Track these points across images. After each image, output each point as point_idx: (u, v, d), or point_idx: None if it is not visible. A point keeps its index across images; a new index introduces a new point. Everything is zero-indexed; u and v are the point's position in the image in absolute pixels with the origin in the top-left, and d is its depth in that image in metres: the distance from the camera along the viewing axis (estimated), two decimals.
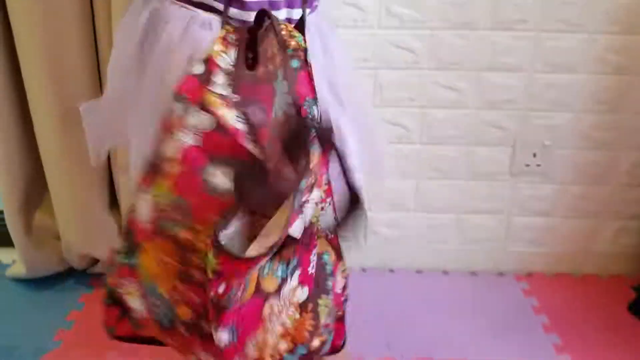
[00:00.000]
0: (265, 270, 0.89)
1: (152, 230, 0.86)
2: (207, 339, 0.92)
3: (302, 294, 0.99)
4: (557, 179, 1.65)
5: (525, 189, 1.66)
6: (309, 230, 0.92)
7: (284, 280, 0.93)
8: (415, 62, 1.54)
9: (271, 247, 0.79)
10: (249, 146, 0.82)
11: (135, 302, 0.94)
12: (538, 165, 1.63)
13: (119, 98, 0.98)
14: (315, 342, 1.02)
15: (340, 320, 1.04)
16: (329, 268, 1.00)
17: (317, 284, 0.97)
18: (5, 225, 1.60)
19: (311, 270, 0.96)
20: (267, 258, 0.83)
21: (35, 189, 1.58)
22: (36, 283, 1.66)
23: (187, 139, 0.82)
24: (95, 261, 1.67)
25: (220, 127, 0.81)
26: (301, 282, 0.98)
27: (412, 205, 1.70)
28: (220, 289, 0.81)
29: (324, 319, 0.98)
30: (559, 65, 1.54)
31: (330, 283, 1.00)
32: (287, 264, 0.92)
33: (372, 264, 1.74)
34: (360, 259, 1.75)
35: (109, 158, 1.54)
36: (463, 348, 1.44)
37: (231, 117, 0.81)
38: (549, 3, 1.48)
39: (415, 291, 1.66)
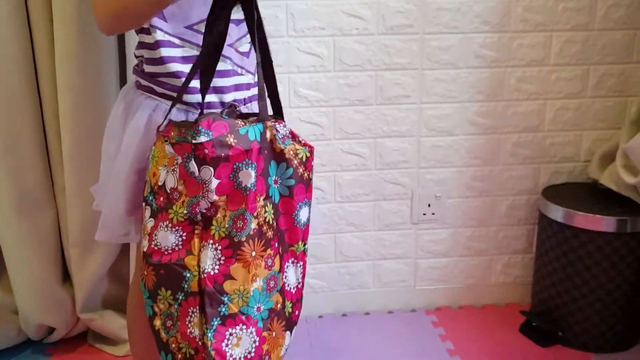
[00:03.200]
0: None
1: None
2: (287, 319, 1.11)
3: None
4: (450, 224, 1.95)
5: (426, 234, 1.96)
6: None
7: None
8: (322, 134, 1.84)
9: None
10: None
11: (243, 343, 1.03)
12: (433, 213, 1.93)
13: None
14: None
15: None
16: None
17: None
18: None
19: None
20: None
21: None
22: None
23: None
24: (51, 330, 1.83)
25: None
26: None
27: (332, 257, 1.96)
28: None
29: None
30: (442, 130, 1.87)
31: None
32: None
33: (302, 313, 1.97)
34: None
35: (59, 232, 1.74)
36: None
37: None
38: (429, 82, 1.82)
39: (341, 332, 1.89)
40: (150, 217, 1.04)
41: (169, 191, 1.02)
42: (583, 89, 1.87)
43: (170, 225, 1.02)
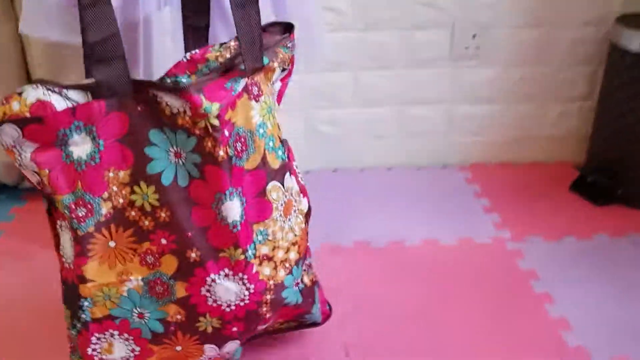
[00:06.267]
0: (270, 144, 0.89)
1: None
2: (204, 335, 0.90)
3: (304, 202, 0.96)
4: (498, 62, 1.61)
5: (466, 74, 1.62)
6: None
7: (284, 164, 0.92)
8: None
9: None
10: None
11: (117, 349, 0.89)
12: (477, 47, 1.58)
13: None
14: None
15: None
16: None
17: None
18: None
19: (302, 182, 0.97)
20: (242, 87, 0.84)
21: None
22: None
23: None
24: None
25: None
26: (301, 190, 0.94)
27: (350, 99, 1.65)
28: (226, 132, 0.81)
29: None
30: None
31: None
32: (284, 149, 0.93)
33: (315, 166, 1.70)
34: (303, 161, 1.70)
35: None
36: (402, 232, 1.42)
37: None
38: None
39: (358, 188, 1.62)
40: None
41: None
42: None
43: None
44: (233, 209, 0.84)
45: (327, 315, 1.10)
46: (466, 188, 1.60)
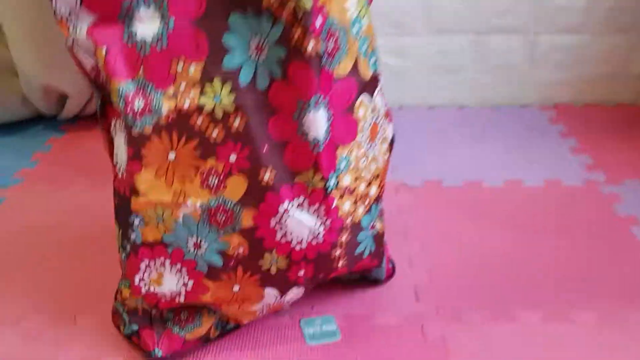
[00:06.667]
0: (364, 48, 0.74)
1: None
2: (267, 275, 0.75)
3: (389, 128, 0.80)
4: None
5: None
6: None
7: (376, 76, 0.76)
8: None
9: None
10: None
11: (168, 282, 0.74)
12: None
13: None
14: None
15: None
16: None
17: None
18: None
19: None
20: None
21: None
22: (1, 129, 1.49)
23: None
24: (64, 103, 1.49)
25: None
26: (387, 113, 0.79)
27: (419, 26, 1.47)
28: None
29: None
30: None
31: None
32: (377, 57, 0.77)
33: None
34: None
35: None
36: (479, 172, 1.25)
37: None
38: None
39: (426, 127, 1.45)
40: None
41: None
42: None
43: None
44: (317, 122, 0.69)
45: (390, 274, 0.95)
46: (550, 128, 1.41)
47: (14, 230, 1.10)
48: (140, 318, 0.79)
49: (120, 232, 0.73)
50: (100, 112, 0.72)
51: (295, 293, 0.79)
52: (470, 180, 1.22)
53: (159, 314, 0.78)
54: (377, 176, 0.79)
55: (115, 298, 0.81)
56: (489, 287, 0.93)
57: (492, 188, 1.19)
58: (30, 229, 1.11)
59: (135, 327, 0.79)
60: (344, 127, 0.72)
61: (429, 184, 1.21)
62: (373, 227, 0.82)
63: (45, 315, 0.90)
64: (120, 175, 0.71)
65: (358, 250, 0.81)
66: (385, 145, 0.81)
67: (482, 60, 1.49)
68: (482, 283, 0.94)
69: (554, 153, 1.31)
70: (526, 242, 1.03)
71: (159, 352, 0.77)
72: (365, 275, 0.91)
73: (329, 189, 0.72)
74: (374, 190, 0.79)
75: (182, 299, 0.75)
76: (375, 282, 0.93)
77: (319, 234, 0.74)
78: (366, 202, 0.78)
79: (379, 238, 0.84)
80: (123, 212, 0.71)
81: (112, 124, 0.71)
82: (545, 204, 1.14)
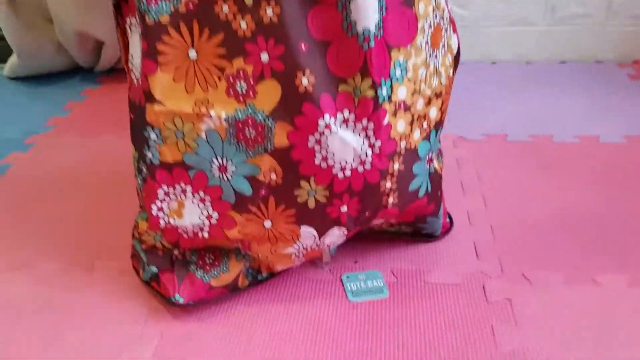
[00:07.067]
0: None
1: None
2: (304, 210, 0.63)
3: (454, 38, 0.69)
4: None
5: None
6: None
7: None
8: None
9: None
10: None
11: (189, 213, 0.64)
12: None
13: None
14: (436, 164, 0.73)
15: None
16: None
17: None
18: None
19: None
20: None
21: None
22: (38, 80, 1.43)
23: None
24: (99, 55, 1.41)
25: None
26: (452, 20, 0.68)
27: None
28: None
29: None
30: None
31: None
32: None
33: None
34: None
35: None
36: (549, 127, 1.11)
37: None
38: None
39: (490, 81, 1.32)
40: None
41: None
42: None
43: None
44: (367, 9, 0.56)
45: (448, 228, 0.82)
46: (629, 84, 1.26)
47: (37, 175, 1.03)
48: (161, 259, 0.69)
49: (137, 153, 0.63)
50: (116, 11, 0.62)
51: (336, 236, 0.68)
52: (537, 134, 1.08)
53: (181, 256, 0.69)
54: (439, 95, 0.67)
55: (133, 235, 0.72)
56: (562, 247, 0.80)
57: (564, 143, 1.06)
58: (53, 175, 1.03)
59: (154, 269, 0.70)
60: (400, 23, 0.60)
61: (492, 138, 1.08)
62: (430, 160, 0.70)
63: (62, 260, 0.81)
64: (136, 82, 0.61)
65: (413, 187, 0.69)
66: (450, 58, 0.68)
67: (551, 11, 1.34)
68: (554, 243, 0.81)
69: (635, 109, 1.16)
70: (607, 200, 0.90)
71: (179, 299, 0.68)
72: (419, 227, 0.79)
73: (380, 99, 0.60)
74: (434, 113, 0.67)
75: (205, 234, 0.65)
76: (429, 237, 0.81)
77: (366, 157, 0.62)
78: (424, 125, 0.66)
79: (436, 178, 0.72)
80: (138, 126, 0.61)
81: (128, 22, 0.61)
82: (628, 161, 1.00)
